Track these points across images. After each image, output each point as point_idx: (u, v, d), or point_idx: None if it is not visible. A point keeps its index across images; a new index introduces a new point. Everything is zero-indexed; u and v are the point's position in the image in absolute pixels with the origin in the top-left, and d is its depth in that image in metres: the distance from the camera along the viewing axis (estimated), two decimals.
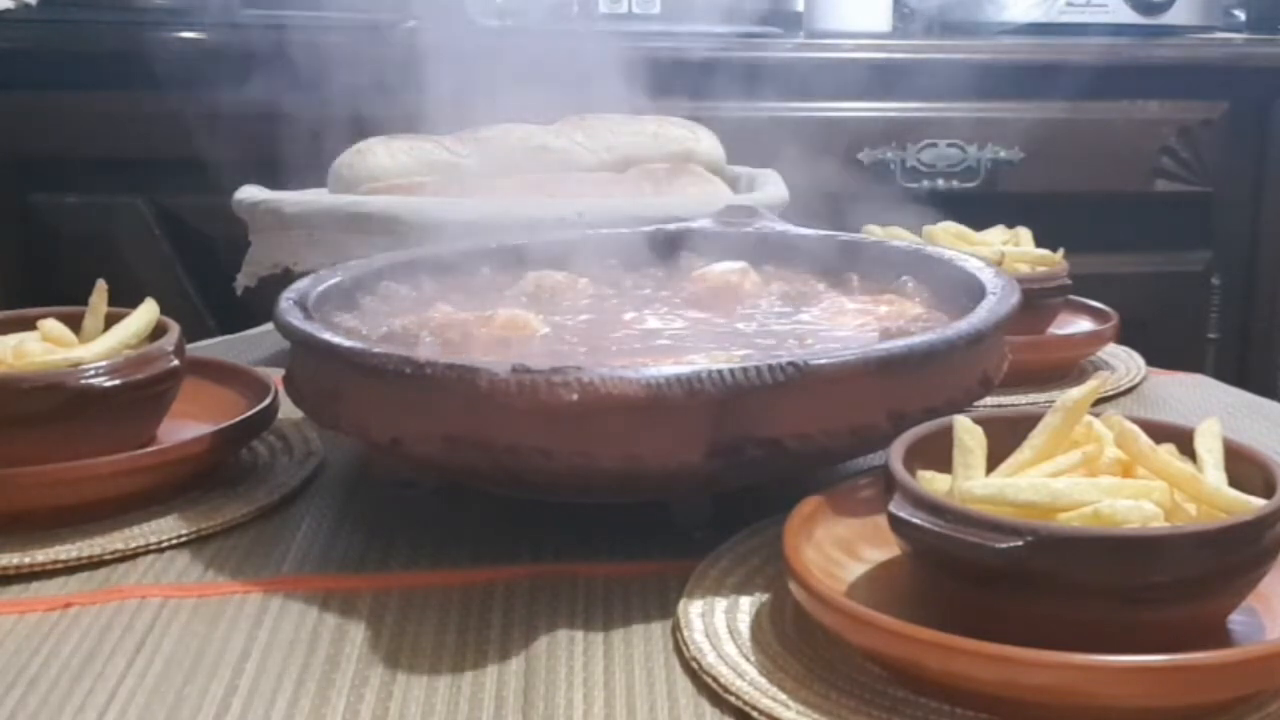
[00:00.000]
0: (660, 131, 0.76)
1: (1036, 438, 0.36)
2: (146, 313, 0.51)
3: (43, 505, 0.43)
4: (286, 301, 0.46)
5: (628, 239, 0.61)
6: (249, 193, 0.69)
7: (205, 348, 0.67)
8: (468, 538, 0.43)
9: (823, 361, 0.39)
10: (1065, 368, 0.64)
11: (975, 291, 0.48)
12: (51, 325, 0.50)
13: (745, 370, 0.38)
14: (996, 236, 0.69)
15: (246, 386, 0.53)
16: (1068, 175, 1.23)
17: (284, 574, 0.41)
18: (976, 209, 0.76)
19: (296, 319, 0.44)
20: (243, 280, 0.70)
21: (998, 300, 0.46)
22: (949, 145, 1.26)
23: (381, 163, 0.71)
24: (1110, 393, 0.61)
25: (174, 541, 0.43)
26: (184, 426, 0.51)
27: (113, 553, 0.42)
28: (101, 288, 0.51)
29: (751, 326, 0.50)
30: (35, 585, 0.40)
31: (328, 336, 0.42)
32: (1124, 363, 0.67)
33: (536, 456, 0.38)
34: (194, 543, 0.43)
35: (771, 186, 0.76)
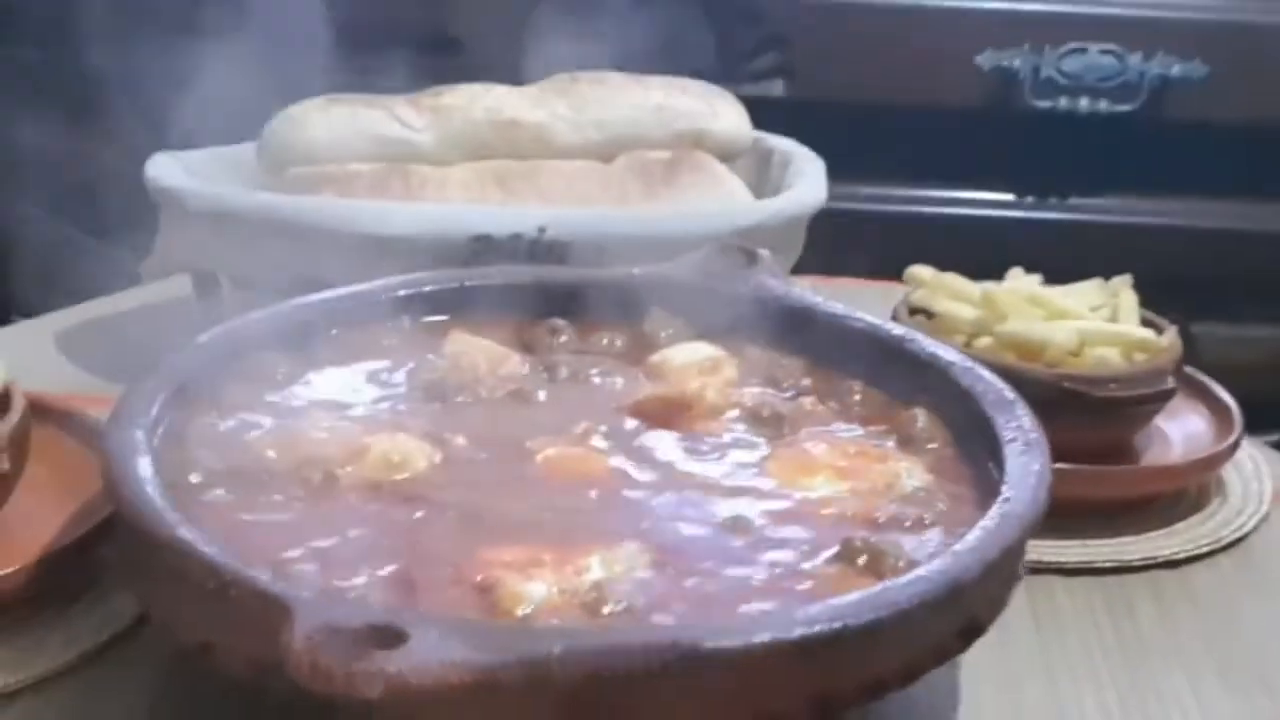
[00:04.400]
0: (667, 104, 0.67)
1: None
2: None
3: None
4: (123, 427, 0.42)
5: (585, 286, 0.55)
6: (159, 168, 0.64)
7: (95, 321, 0.65)
8: None
9: (717, 645, 0.33)
10: (1152, 500, 0.55)
11: (998, 471, 0.42)
12: None
13: (611, 650, 0.33)
14: (1086, 298, 0.59)
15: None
16: (1267, 100, 1.02)
17: None
18: (1132, 141, 0.64)
19: (122, 468, 0.40)
20: (149, 270, 0.67)
21: (1009, 513, 0.39)
22: (1102, 52, 1.07)
23: (316, 136, 0.65)
24: (1206, 548, 0.52)
25: None
26: (26, 508, 0.48)
27: None
28: None
29: (685, 492, 0.43)
30: None
31: (142, 511, 0.38)
32: (1244, 483, 0.56)
33: (353, 713, 0.35)
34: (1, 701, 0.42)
35: (806, 182, 0.67)
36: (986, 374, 0.48)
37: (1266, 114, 1.05)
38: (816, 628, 0.34)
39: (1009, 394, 0.46)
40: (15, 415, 0.47)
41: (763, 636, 0.34)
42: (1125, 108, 1.09)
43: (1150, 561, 0.52)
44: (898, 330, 0.52)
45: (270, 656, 0.35)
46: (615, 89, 0.67)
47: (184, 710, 0.42)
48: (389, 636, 0.33)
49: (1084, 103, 1.10)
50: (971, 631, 0.39)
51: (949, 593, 0.36)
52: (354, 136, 0.65)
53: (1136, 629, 0.49)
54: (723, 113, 0.68)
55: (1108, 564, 0.52)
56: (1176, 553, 0.52)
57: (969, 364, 0.49)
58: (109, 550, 0.49)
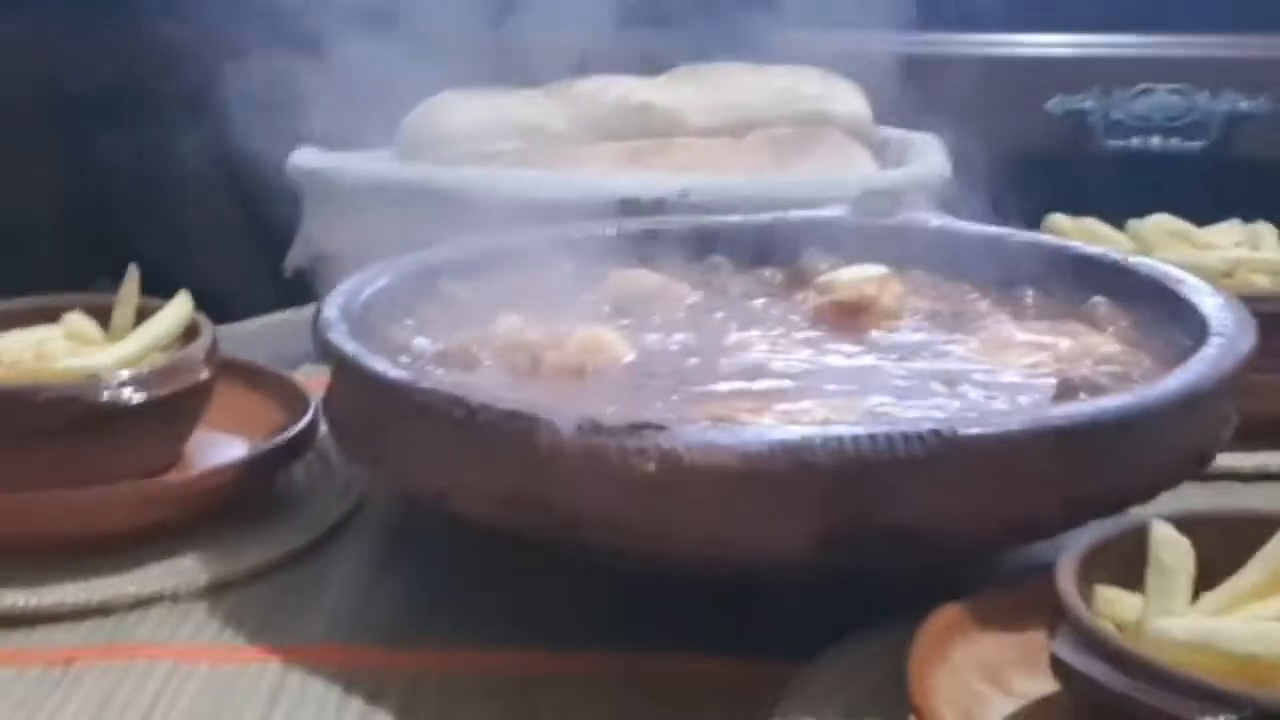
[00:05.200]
0: (790, 87, 0.72)
1: (1266, 560, 0.31)
2: (178, 310, 0.52)
3: (52, 535, 0.45)
4: (330, 311, 0.46)
5: (740, 230, 0.58)
6: (304, 157, 0.69)
7: (247, 333, 0.68)
8: (524, 611, 0.42)
9: (977, 431, 0.35)
10: None
11: (1193, 327, 0.43)
12: (77, 321, 0.51)
13: (872, 438, 0.34)
14: (1227, 236, 0.61)
15: (284, 397, 0.53)
16: None
17: (308, 640, 0.41)
18: (1205, 177, 0.68)
19: (338, 336, 0.44)
20: (294, 259, 0.71)
21: (1223, 346, 0.41)
22: (1171, 92, 1.13)
23: (457, 121, 0.70)
24: None
25: (191, 590, 0.43)
26: (213, 441, 0.51)
27: (124, 598, 0.43)
28: (132, 275, 0.52)
29: (888, 360, 0.46)
30: (40, 632, 0.41)
31: (369, 362, 0.41)
32: None
33: (605, 530, 0.36)
34: (212, 592, 0.43)
35: (928, 156, 0.71)
36: (1157, 263, 0.50)
37: None
38: (1074, 419, 0.36)
39: (1182, 274, 0.48)
40: (209, 335, 0.50)
41: (1021, 426, 0.35)
42: (1198, 144, 1.14)
43: None
44: (1059, 240, 0.55)
45: (516, 485, 0.37)
46: (739, 74, 0.73)
47: (389, 601, 0.43)
48: (652, 428, 0.35)
49: (1156, 141, 1.15)
50: (1202, 456, 0.40)
51: (1188, 404, 0.38)
52: (492, 122, 0.70)
53: None
54: (844, 95, 0.73)
55: None
56: None
57: (1137, 258, 0.51)
58: (295, 473, 0.51)
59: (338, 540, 0.47)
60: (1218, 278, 0.58)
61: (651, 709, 0.37)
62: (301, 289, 0.73)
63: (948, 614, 0.35)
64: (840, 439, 0.34)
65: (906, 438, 0.34)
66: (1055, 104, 1.17)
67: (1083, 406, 0.37)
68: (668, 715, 0.37)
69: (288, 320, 0.73)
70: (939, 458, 0.34)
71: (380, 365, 0.41)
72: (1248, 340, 0.42)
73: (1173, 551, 0.32)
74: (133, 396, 0.47)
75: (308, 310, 0.72)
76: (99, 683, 0.39)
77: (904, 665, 0.33)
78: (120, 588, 0.43)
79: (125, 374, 0.47)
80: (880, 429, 0.35)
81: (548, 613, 0.42)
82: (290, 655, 0.40)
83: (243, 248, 1.19)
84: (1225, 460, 0.51)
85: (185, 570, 0.44)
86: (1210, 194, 0.66)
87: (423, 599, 0.43)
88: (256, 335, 0.74)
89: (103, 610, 0.42)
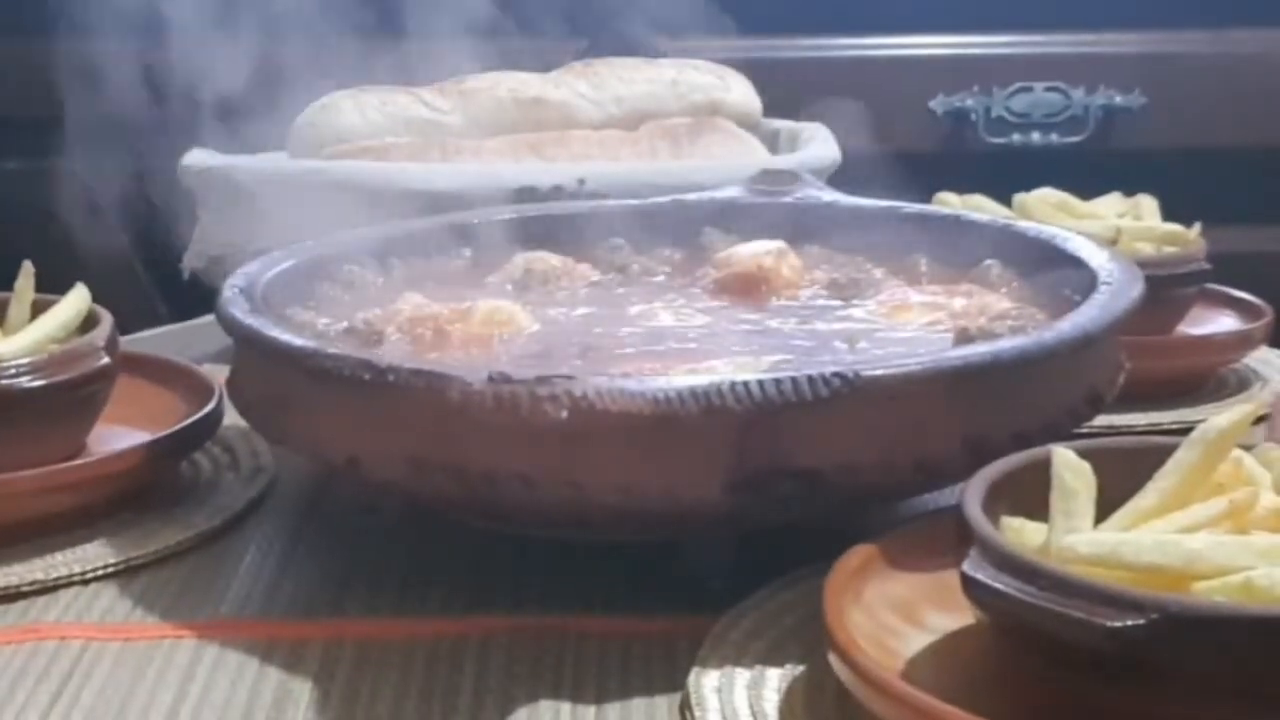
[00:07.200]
0: (681, 79, 0.75)
1: (1166, 479, 0.32)
2: (76, 301, 0.51)
3: None
4: (231, 290, 0.46)
5: (638, 213, 0.60)
6: (197, 158, 0.69)
7: (146, 340, 0.68)
8: (438, 578, 0.42)
9: (879, 372, 0.36)
10: (1201, 378, 0.60)
11: (1082, 281, 0.46)
12: None
13: (778, 383, 0.36)
14: (1111, 207, 0.65)
15: (188, 388, 0.53)
16: (1203, 126, 1.14)
17: (222, 616, 0.41)
18: (1083, 170, 0.72)
19: (241, 311, 0.44)
20: (190, 261, 0.70)
21: (1113, 293, 0.43)
22: (1048, 89, 1.17)
23: (349, 120, 0.71)
24: (1264, 412, 0.58)
25: (100, 572, 0.43)
26: (117, 434, 0.51)
27: (31, 583, 0.42)
28: (27, 271, 0.52)
29: (788, 324, 0.48)
30: None
31: (274, 333, 0.42)
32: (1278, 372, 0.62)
33: (517, 485, 0.36)
34: (122, 574, 0.43)
35: (819, 144, 0.75)
36: (1044, 226, 0.54)
37: (1201, 140, 1.15)
38: (972, 360, 0.38)
39: (1069, 234, 0.51)
40: (108, 324, 0.51)
41: (921, 366, 0.37)
42: (1075, 139, 1.21)
43: None
44: (948, 211, 0.59)
45: (428, 446, 0.38)
46: (630, 68, 0.75)
47: (302, 577, 0.44)
48: (563, 377, 0.36)
49: (1036, 137, 1.22)
50: (1096, 399, 0.42)
51: (1080, 345, 0.40)
52: (385, 120, 0.71)
53: None
54: (734, 86, 0.77)
55: (1174, 425, 0.57)
56: None
57: (1022, 223, 0.55)
58: (201, 463, 0.51)
59: (247, 524, 0.47)
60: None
61: (574, 666, 0.38)
62: (200, 302, 0.73)
63: (859, 554, 0.36)
64: (748, 384, 0.36)
65: (811, 381, 0.36)
66: (937, 103, 1.23)
67: (980, 347, 0.38)
68: (590, 672, 0.38)
69: (187, 327, 0.73)
70: (843, 400, 0.36)
71: (285, 334, 0.42)
72: (1136, 286, 0.44)
73: (1074, 473, 0.33)
74: (31, 383, 0.46)
75: (206, 318, 0.73)
76: (8, 664, 0.38)
77: (819, 607, 0.34)
78: (26, 574, 0.43)
79: (24, 361, 0.47)
80: (786, 374, 0.36)
81: (462, 581, 0.42)
82: (205, 630, 0.40)
83: (139, 264, 1.17)
84: (1119, 420, 0.54)
85: (93, 555, 0.44)
86: (1090, 187, 0.70)
87: (336, 574, 0.43)
88: (157, 341, 0.73)
89: (10, 595, 0.42)
